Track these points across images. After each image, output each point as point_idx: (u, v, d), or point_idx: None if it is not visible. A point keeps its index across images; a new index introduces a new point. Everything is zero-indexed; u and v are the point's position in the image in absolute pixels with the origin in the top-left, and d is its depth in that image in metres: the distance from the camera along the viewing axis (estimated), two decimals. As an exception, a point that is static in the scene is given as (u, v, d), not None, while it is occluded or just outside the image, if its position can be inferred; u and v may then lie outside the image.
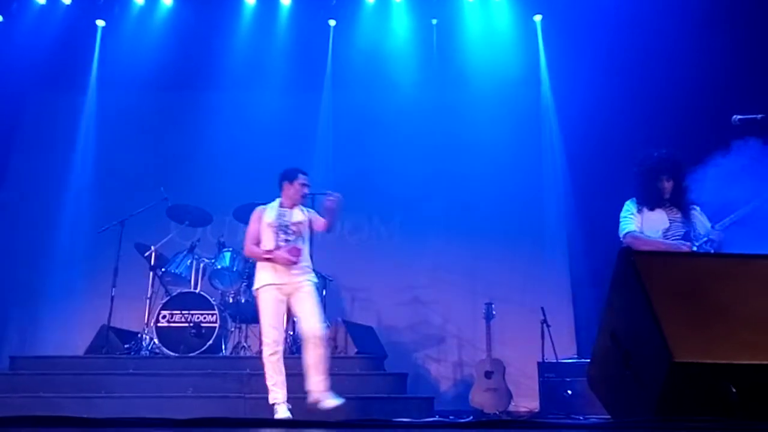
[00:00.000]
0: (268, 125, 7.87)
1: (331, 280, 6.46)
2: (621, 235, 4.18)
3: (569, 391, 5.71)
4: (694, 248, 3.95)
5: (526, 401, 6.47)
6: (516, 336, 6.82)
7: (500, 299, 6.65)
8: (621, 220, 4.21)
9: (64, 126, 8.12)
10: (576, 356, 6.36)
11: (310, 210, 4.86)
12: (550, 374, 5.95)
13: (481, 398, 6.08)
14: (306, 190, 4.77)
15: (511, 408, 6.14)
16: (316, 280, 4.75)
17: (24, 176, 7.99)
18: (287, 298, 4.57)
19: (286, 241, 4.59)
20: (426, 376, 7.20)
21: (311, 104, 8.14)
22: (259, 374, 5.15)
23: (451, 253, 7.53)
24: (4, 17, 7.91)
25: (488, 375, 6.14)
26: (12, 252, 7.63)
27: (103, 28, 8.20)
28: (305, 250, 4.66)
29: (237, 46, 7.98)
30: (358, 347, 5.88)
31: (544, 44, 8.03)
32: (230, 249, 6.29)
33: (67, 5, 8.04)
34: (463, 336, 7.29)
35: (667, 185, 4.09)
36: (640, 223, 4.12)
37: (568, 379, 5.77)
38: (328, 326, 6.05)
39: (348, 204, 7.42)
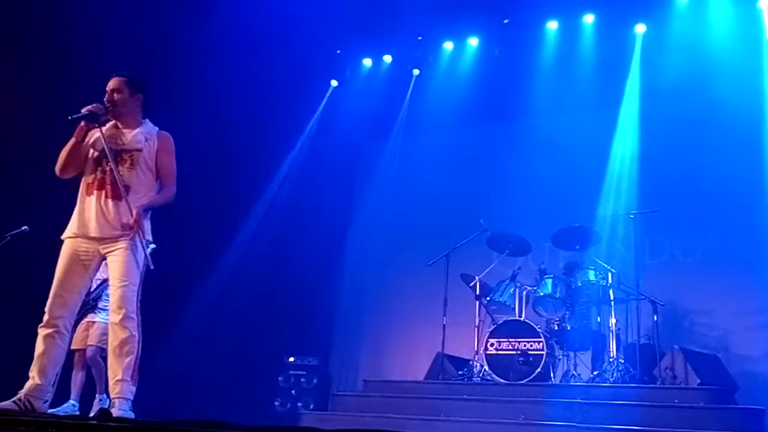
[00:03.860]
0: (574, 147, 7.56)
1: (662, 305, 5.98)
2: None
3: None
4: None
5: None
6: None
7: None
8: None
9: (386, 169, 8.95)
10: None
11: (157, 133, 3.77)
12: None
13: None
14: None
15: None
16: (146, 237, 3.60)
17: (367, 215, 8.89)
18: (97, 259, 3.58)
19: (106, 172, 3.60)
20: (792, 413, 6.17)
21: (617, 119, 7.62)
22: (591, 403, 4.99)
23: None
24: (339, 82, 9.17)
25: None
26: (361, 287, 8.71)
27: (417, 75, 8.88)
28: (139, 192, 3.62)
29: (541, 72, 7.95)
30: (700, 378, 5.32)
31: None
32: (551, 276, 6.26)
33: (389, 63, 9.01)
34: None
35: None
36: None
37: None
38: (661, 354, 5.59)
39: (672, 221, 6.93)
